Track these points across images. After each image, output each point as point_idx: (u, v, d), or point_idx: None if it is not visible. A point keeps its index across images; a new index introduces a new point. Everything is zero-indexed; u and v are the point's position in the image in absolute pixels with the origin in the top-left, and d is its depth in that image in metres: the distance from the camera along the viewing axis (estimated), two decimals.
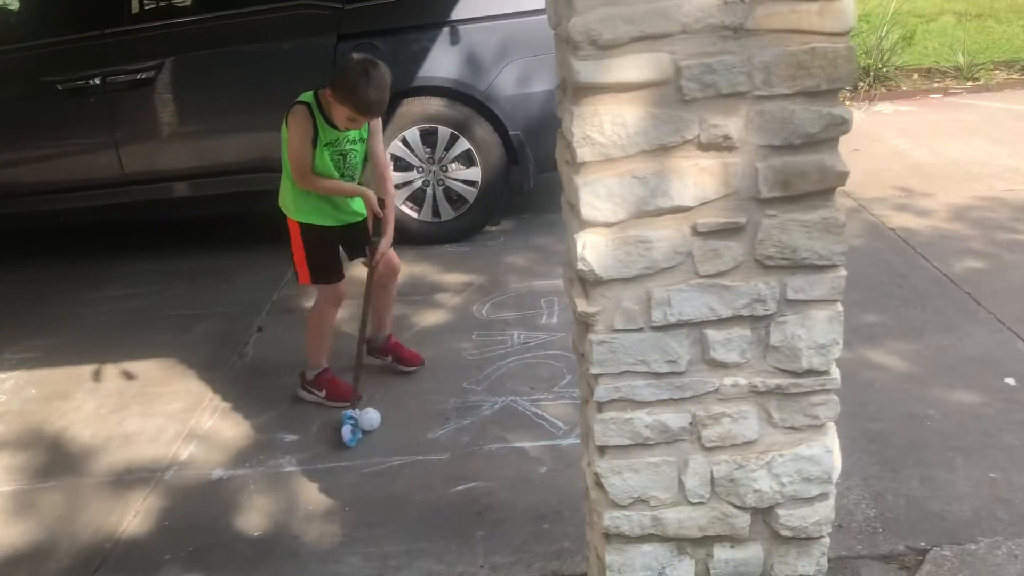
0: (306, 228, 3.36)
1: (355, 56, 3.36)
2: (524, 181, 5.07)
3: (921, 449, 3.07)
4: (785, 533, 1.90)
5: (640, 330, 1.77)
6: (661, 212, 1.70)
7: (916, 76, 7.84)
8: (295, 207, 3.36)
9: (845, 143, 1.70)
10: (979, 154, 6.01)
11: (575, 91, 1.65)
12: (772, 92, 1.63)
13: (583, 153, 1.66)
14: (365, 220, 3.45)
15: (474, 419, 3.39)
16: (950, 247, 4.60)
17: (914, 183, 5.54)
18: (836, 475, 1.91)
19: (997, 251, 4.52)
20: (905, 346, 3.72)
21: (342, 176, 3.32)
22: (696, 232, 1.71)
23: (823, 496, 1.90)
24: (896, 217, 5.03)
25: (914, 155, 6.08)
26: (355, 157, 3.35)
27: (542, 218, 5.32)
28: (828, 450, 1.85)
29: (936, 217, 5.00)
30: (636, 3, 1.57)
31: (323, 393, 3.55)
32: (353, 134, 3.29)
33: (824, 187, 1.69)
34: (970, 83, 7.55)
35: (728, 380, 1.81)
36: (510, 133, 4.91)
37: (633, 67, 1.60)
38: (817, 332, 1.77)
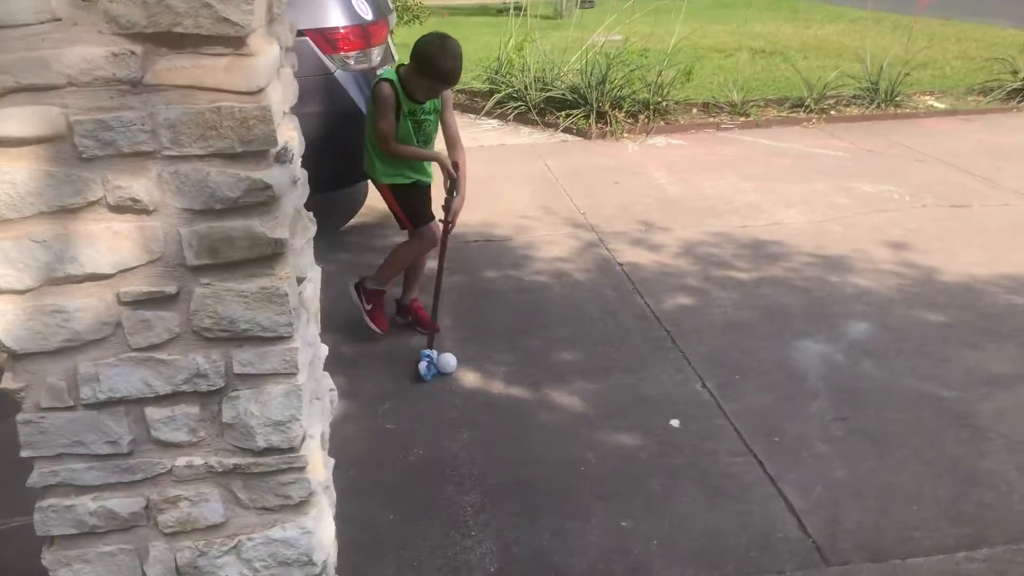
0: (394, 188, 3.89)
1: (428, 34, 3.69)
2: None
3: (565, 496, 3.03)
4: None
5: (71, 408, 1.60)
6: (75, 279, 1.53)
7: (695, 111, 8.06)
8: (382, 172, 3.86)
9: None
10: (728, 189, 6.18)
11: None
12: (184, 152, 1.49)
13: None
14: (429, 186, 3.97)
15: None
16: (667, 283, 4.66)
17: (657, 217, 5.63)
18: (321, 556, 1.78)
19: (708, 287, 4.61)
20: (590, 386, 3.71)
21: (418, 143, 3.82)
22: (122, 302, 1.56)
23: None
24: (628, 252, 5.08)
25: (669, 189, 6.19)
26: (429, 127, 3.84)
27: None
28: (306, 531, 1.72)
29: (665, 252, 5.08)
30: (11, 51, 1.41)
31: (369, 307, 4.02)
32: (428, 106, 3.75)
33: (257, 255, 1.56)
34: (741, 118, 7.81)
35: (182, 460, 1.66)
36: None
37: (15, 121, 1.43)
38: (272, 408, 1.64)
